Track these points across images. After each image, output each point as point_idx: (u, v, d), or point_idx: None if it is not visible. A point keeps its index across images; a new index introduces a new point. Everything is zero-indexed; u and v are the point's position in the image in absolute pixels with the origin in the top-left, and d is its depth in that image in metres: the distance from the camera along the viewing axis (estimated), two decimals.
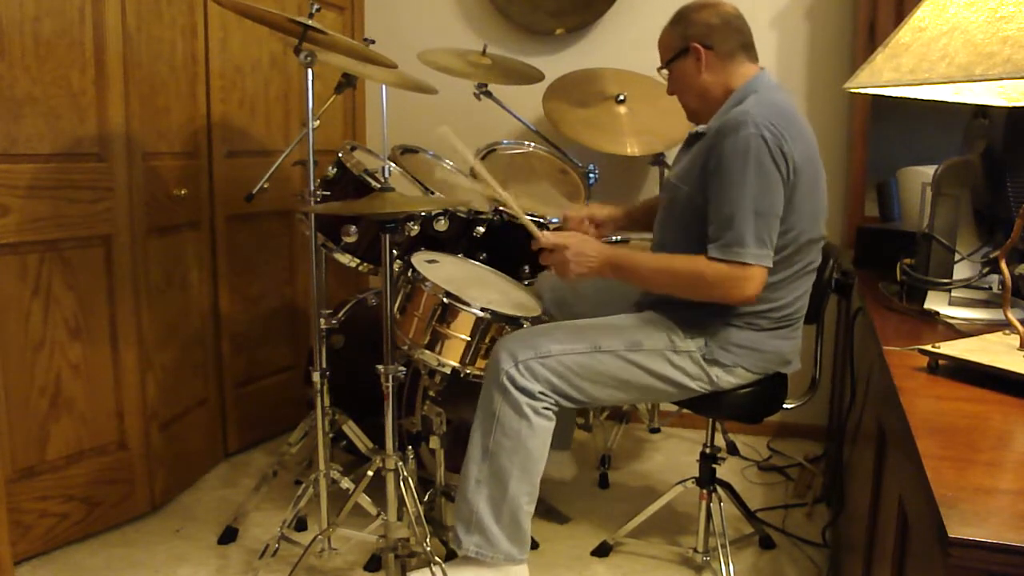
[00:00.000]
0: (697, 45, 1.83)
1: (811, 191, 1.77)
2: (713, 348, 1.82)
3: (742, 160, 1.67)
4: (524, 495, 1.82)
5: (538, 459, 1.82)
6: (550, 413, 1.81)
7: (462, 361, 1.97)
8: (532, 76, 2.71)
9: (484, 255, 2.34)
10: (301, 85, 2.78)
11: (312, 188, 1.94)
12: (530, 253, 2.13)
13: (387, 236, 1.75)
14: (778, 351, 1.86)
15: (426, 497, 2.15)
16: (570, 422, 2.33)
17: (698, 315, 1.83)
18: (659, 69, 1.94)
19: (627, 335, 1.83)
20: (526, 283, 2.35)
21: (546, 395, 1.79)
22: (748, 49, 1.86)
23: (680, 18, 1.88)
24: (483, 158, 2.63)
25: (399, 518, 1.87)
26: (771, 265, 1.72)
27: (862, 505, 1.53)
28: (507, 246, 2.36)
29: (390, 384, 1.80)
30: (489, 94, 2.67)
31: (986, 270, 1.65)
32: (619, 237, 2.72)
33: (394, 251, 1.85)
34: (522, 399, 1.77)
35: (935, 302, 1.68)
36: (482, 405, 1.83)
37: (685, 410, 2.11)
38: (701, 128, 1.87)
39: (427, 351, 1.97)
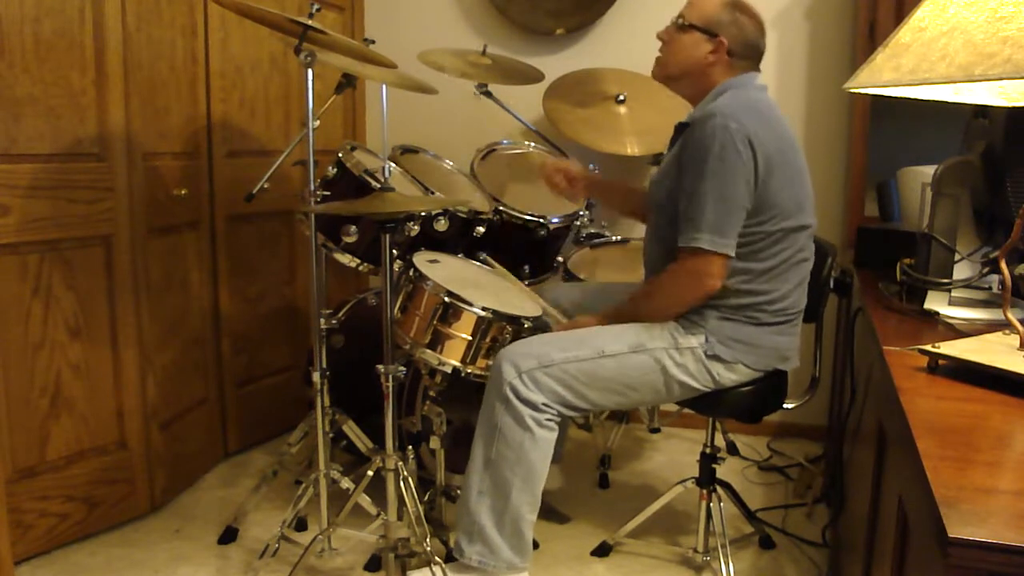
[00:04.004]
0: (725, 42, 1.83)
1: (790, 181, 1.79)
2: (714, 343, 1.82)
3: (705, 151, 1.71)
4: (526, 505, 1.82)
5: (540, 470, 1.82)
6: (552, 424, 1.81)
7: (463, 360, 1.97)
8: (532, 76, 2.71)
9: (484, 255, 2.34)
10: (301, 85, 2.77)
11: (312, 188, 1.94)
12: (530, 253, 2.13)
13: (387, 236, 1.75)
14: (776, 347, 1.87)
15: (426, 497, 2.15)
16: (561, 436, 2.33)
17: (697, 312, 1.84)
18: (676, 20, 1.88)
19: (630, 337, 1.83)
20: (526, 283, 2.35)
21: (549, 406, 1.79)
22: (756, 63, 1.90)
23: (733, 7, 1.84)
24: (483, 158, 2.63)
25: (399, 518, 1.87)
26: (732, 254, 1.74)
27: (862, 505, 1.53)
28: (507, 246, 2.36)
29: (390, 384, 1.80)
30: (489, 94, 2.67)
31: (986, 270, 1.65)
32: (618, 237, 2.73)
33: (394, 251, 1.85)
34: (525, 410, 1.78)
35: (935, 302, 1.68)
36: (484, 415, 1.84)
37: (685, 410, 2.11)
38: (686, 119, 1.89)
39: (428, 350, 1.97)
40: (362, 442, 2.27)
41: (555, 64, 2.95)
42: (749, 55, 1.87)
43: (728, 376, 1.84)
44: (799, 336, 1.93)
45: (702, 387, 1.85)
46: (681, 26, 1.87)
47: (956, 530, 0.73)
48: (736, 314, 1.82)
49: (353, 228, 2.11)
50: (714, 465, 2.07)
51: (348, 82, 2.23)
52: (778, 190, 1.76)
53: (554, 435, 1.82)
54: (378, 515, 2.01)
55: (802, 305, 1.91)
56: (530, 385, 1.78)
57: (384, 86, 2.20)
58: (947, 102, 1.34)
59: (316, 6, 1.94)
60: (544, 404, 1.79)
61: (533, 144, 2.73)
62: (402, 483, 1.85)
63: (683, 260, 1.77)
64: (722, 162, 1.70)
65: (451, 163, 2.62)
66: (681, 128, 1.91)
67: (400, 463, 1.85)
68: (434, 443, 2.10)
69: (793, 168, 1.80)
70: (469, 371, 1.97)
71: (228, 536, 2.21)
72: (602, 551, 2.19)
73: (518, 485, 1.80)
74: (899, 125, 2.63)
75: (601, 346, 1.82)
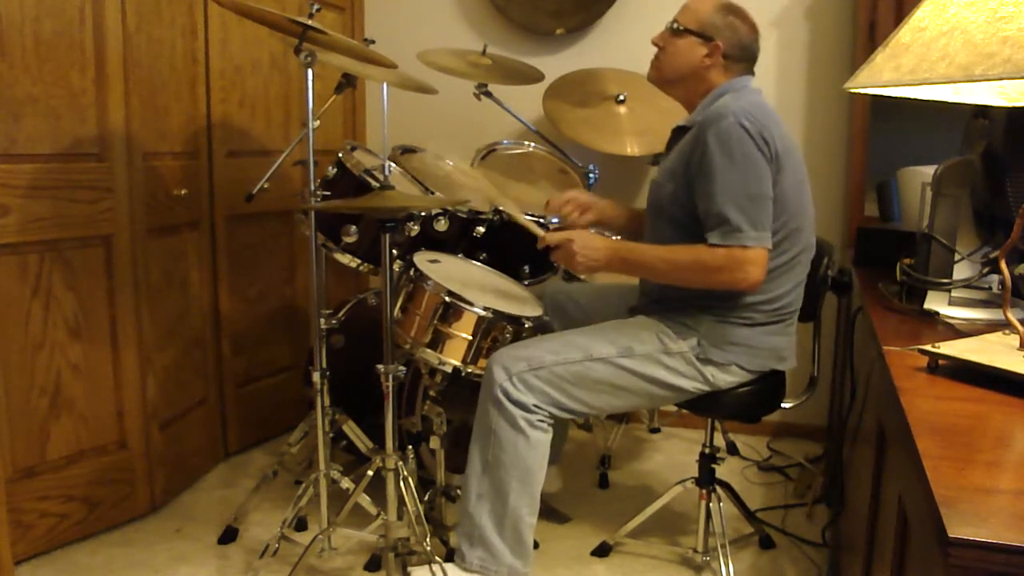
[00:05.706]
0: (720, 45, 1.84)
1: (796, 183, 1.80)
2: (706, 347, 1.82)
3: (725, 148, 1.70)
4: (525, 507, 1.83)
5: (537, 472, 1.82)
6: (545, 425, 1.82)
7: (464, 360, 1.97)
8: (532, 76, 2.71)
9: (484, 255, 2.34)
10: (301, 85, 2.77)
11: (312, 188, 1.94)
12: (530, 253, 2.13)
13: (387, 236, 1.75)
14: (773, 347, 1.87)
15: (426, 497, 2.15)
16: (561, 436, 2.34)
17: (690, 315, 1.84)
18: (671, 24, 1.88)
19: (618, 341, 1.83)
20: (526, 283, 2.35)
21: (540, 407, 1.80)
22: (750, 66, 1.91)
23: (727, 10, 1.85)
24: (483, 158, 2.63)
25: (399, 518, 1.87)
26: (770, 247, 1.74)
27: (862, 505, 1.53)
28: (507, 246, 2.35)
29: (390, 384, 1.80)
30: (489, 94, 2.67)
31: (986, 270, 1.65)
32: (618, 238, 2.73)
33: (394, 251, 1.85)
34: (517, 412, 1.78)
35: (935, 302, 1.68)
36: (479, 420, 1.84)
37: (685, 410, 2.11)
38: (684, 122, 1.89)
39: (429, 350, 1.97)
40: (362, 442, 2.27)
41: (555, 64, 2.95)
42: (744, 58, 1.88)
43: (723, 378, 1.84)
44: (795, 336, 1.93)
45: (695, 389, 1.85)
46: (676, 31, 1.88)
47: (956, 530, 0.73)
48: (731, 315, 1.82)
49: (353, 228, 2.11)
50: (714, 465, 2.07)
51: (348, 82, 2.24)
52: (787, 189, 1.76)
53: (548, 436, 1.82)
54: (378, 515, 2.02)
55: (798, 305, 1.91)
56: (520, 387, 1.78)
57: (384, 86, 2.20)
58: (947, 102, 1.34)
59: (316, 6, 1.94)
60: (535, 405, 1.79)
61: (533, 144, 2.73)
62: (402, 483, 1.85)
63: (729, 251, 1.71)
64: (745, 158, 1.70)
65: (452, 163, 2.62)
66: (679, 131, 1.91)
67: (400, 463, 1.85)
68: (434, 443, 2.10)
69: (798, 168, 1.82)
70: (469, 371, 1.97)
71: (228, 536, 2.21)
72: (602, 551, 2.19)
73: (516, 488, 1.80)
74: (899, 125, 2.63)
75: (590, 349, 1.81)
